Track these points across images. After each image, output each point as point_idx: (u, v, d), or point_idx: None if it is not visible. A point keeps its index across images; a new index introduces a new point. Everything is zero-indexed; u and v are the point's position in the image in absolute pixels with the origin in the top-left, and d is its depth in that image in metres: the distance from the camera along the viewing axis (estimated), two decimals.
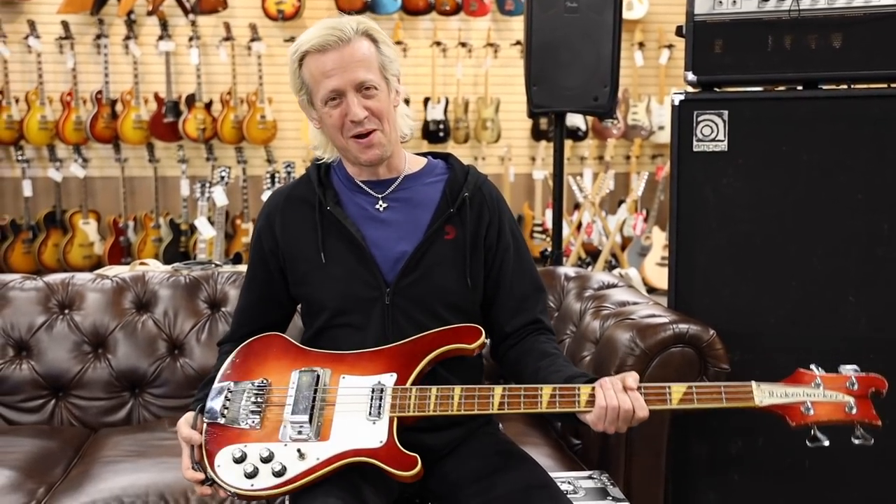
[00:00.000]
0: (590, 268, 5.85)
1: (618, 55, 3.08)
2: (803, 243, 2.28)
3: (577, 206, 6.09)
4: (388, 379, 1.64)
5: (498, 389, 1.57)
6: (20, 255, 6.01)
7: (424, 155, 1.87)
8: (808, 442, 1.47)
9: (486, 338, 1.73)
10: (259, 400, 1.65)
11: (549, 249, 3.57)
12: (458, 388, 1.59)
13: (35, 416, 2.48)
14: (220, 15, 6.10)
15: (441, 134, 6.42)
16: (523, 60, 3.28)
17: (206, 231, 4.55)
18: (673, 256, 2.39)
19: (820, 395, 1.48)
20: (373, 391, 1.62)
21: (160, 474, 2.03)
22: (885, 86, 2.25)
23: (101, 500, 1.96)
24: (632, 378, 1.53)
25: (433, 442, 1.71)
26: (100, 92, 6.02)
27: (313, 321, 1.80)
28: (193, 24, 6.09)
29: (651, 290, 5.80)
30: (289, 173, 5.05)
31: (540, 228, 6.49)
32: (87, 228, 6.11)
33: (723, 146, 2.31)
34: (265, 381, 1.68)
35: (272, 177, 4.96)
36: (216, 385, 1.71)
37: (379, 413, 1.59)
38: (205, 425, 1.65)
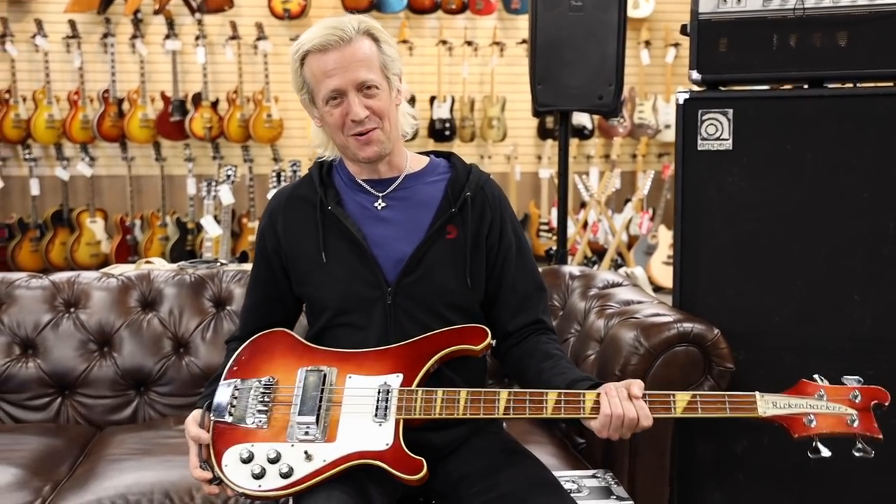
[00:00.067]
0: (596, 266, 5.84)
1: (622, 54, 3.07)
2: (808, 242, 2.27)
3: (583, 205, 6.08)
4: (394, 379, 1.64)
5: (503, 394, 1.57)
6: (28, 253, 6.04)
7: (427, 154, 1.87)
8: (809, 453, 1.47)
9: (493, 339, 1.72)
10: (266, 399, 1.65)
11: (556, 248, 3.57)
12: (463, 392, 1.59)
13: (41, 415, 2.49)
14: (227, 14, 6.12)
15: (447, 132, 6.41)
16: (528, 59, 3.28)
17: (213, 229, 4.56)
18: (678, 256, 2.38)
19: (823, 406, 1.47)
20: (379, 392, 1.62)
21: (165, 472, 2.04)
22: (891, 84, 2.24)
23: (107, 497, 1.97)
24: (637, 386, 1.53)
25: (437, 440, 1.71)
26: (107, 91, 6.04)
27: (316, 320, 1.80)
28: (200, 22, 6.10)
29: (658, 289, 5.78)
30: (294, 172, 5.07)
31: (546, 227, 6.48)
32: (94, 227, 6.13)
33: (727, 145, 2.30)
34: (272, 380, 1.68)
35: (278, 175, 4.98)
36: (223, 382, 1.72)
37: (385, 415, 1.59)
38: (212, 423, 1.65)
